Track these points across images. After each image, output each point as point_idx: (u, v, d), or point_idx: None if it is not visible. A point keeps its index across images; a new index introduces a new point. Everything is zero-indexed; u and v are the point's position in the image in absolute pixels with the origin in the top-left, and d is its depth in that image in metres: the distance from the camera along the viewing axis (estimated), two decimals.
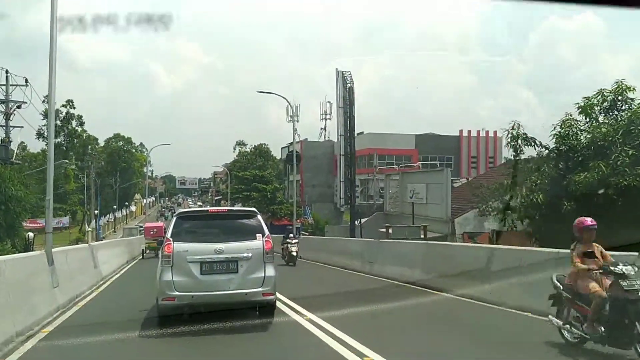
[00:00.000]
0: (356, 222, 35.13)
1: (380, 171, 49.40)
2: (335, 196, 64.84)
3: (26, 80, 24.56)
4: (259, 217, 8.35)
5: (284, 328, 7.71)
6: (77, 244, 39.51)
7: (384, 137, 51.38)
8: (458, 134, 55.65)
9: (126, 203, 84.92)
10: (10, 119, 24.16)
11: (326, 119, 73.85)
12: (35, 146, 73.37)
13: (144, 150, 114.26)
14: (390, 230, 29.87)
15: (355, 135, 36.96)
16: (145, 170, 65.49)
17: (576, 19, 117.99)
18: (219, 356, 6.42)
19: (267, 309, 7.90)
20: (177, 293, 7.35)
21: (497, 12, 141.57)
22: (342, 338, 6.63)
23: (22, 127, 26.76)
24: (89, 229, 49.85)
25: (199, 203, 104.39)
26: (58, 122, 68.36)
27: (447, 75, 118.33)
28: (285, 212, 59.92)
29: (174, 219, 8.27)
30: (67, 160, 26.78)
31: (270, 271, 7.71)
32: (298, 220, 53.84)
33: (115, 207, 70.57)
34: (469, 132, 55.57)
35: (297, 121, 78.70)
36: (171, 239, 7.61)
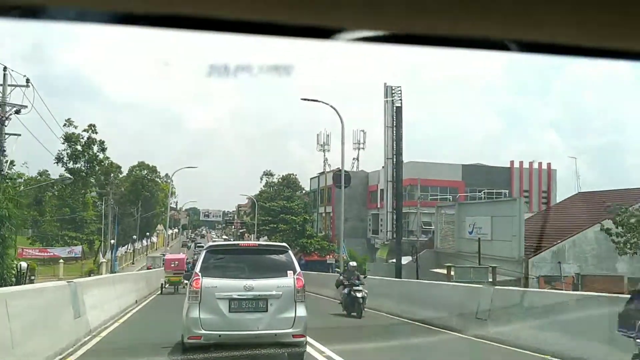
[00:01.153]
0: (410, 259, 30.36)
1: (424, 204, 44.67)
2: (369, 231, 60.09)
3: (27, 80, 20.91)
4: (290, 252, 8.01)
5: None
6: (89, 276, 35.53)
7: (427, 167, 46.75)
8: (509, 165, 50.79)
9: (147, 234, 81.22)
10: (5, 124, 20.40)
11: (359, 149, 69.83)
12: (55, 171, 70.67)
13: (169, 181, 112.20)
14: (452, 272, 25.16)
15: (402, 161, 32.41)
16: (168, 199, 61.91)
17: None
18: None
19: (297, 351, 7.43)
20: (204, 332, 7.06)
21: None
22: None
23: (19, 134, 23.07)
24: (104, 260, 45.78)
25: (225, 237, 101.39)
26: (79, 147, 65.65)
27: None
28: (315, 246, 55.25)
29: (204, 252, 7.90)
30: (70, 176, 22.70)
31: (301, 311, 7.35)
32: (331, 256, 49.05)
33: (135, 237, 66.63)
34: (521, 163, 50.69)
35: (328, 151, 75.15)
36: (200, 274, 7.32)
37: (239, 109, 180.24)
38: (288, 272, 7.50)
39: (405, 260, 36.09)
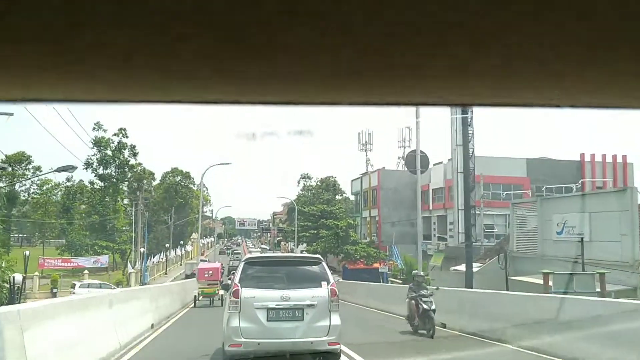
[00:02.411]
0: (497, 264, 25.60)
1: (486, 203, 39.53)
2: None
3: None
4: (324, 264, 8.34)
5: None
6: (117, 288, 32.01)
7: (489, 162, 41.47)
8: (579, 159, 45.16)
9: (181, 242, 77.88)
10: None
11: (404, 147, 64.90)
12: (83, 177, 68.22)
13: (205, 189, 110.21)
14: (550, 282, 20.16)
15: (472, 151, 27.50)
16: (200, 205, 58.23)
17: None
18: None
19: (333, 358, 7.74)
20: (243, 340, 7.31)
21: None
22: None
23: (12, 114, 19.25)
24: (133, 270, 42.09)
25: (263, 246, 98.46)
26: (109, 152, 62.81)
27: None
28: (362, 253, 50.41)
29: (242, 264, 8.30)
30: (74, 166, 18.79)
31: (335, 320, 7.60)
32: (383, 264, 44.17)
33: (167, 245, 63.04)
34: (592, 156, 44.99)
35: (370, 150, 70.45)
36: (239, 285, 7.62)
37: (272, 111, 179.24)
38: (322, 282, 7.70)
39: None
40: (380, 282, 38.46)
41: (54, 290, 38.26)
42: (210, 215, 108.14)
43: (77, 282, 34.11)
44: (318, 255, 9.02)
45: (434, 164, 52.68)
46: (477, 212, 38.62)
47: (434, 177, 50.80)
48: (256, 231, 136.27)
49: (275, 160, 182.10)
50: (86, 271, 41.87)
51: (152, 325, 12.57)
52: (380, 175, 56.33)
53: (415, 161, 16.63)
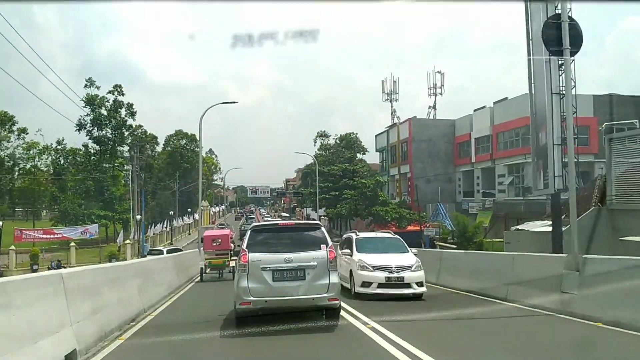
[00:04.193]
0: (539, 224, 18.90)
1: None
2: (458, 193, 48.16)
3: None
4: (323, 229, 9.06)
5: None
6: (110, 262, 25.94)
7: None
8: None
9: (189, 210, 71.96)
10: None
11: (435, 94, 57.65)
12: (75, 139, 61.78)
13: (214, 156, 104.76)
14: None
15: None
16: (200, 153, 51.95)
17: None
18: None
19: (333, 312, 8.58)
20: (252, 298, 8.13)
21: None
22: None
23: None
24: (129, 242, 35.85)
25: (284, 214, 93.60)
26: (104, 112, 56.29)
27: None
28: (393, 215, 43.80)
29: (249, 231, 9.11)
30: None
31: (334, 278, 8.34)
32: (428, 225, 37.50)
33: (171, 212, 56.85)
34: None
35: (396, 100, 63.09)
36: (246, 250, 8.43)
37: (279, 82, 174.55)
38: (322, 245, 8.47)
39: (536, 227, 24.65)
40: (422, 247, 31.92)
41: (35, 267, 32.36)
42: (221, 183, 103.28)
43: (164, 247, 32.79)
44: (317, 222, 10.12)
45: (475, 110, 45.62)
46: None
47: (476, 124, 43.79)
48: (269, 199, 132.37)
49: (287, 123, 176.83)
50: (73, 244, 35.72)
51: (73, 352, 6.00)
52: (412, 126, 49.28)
53: (562, 36, 9.61)
